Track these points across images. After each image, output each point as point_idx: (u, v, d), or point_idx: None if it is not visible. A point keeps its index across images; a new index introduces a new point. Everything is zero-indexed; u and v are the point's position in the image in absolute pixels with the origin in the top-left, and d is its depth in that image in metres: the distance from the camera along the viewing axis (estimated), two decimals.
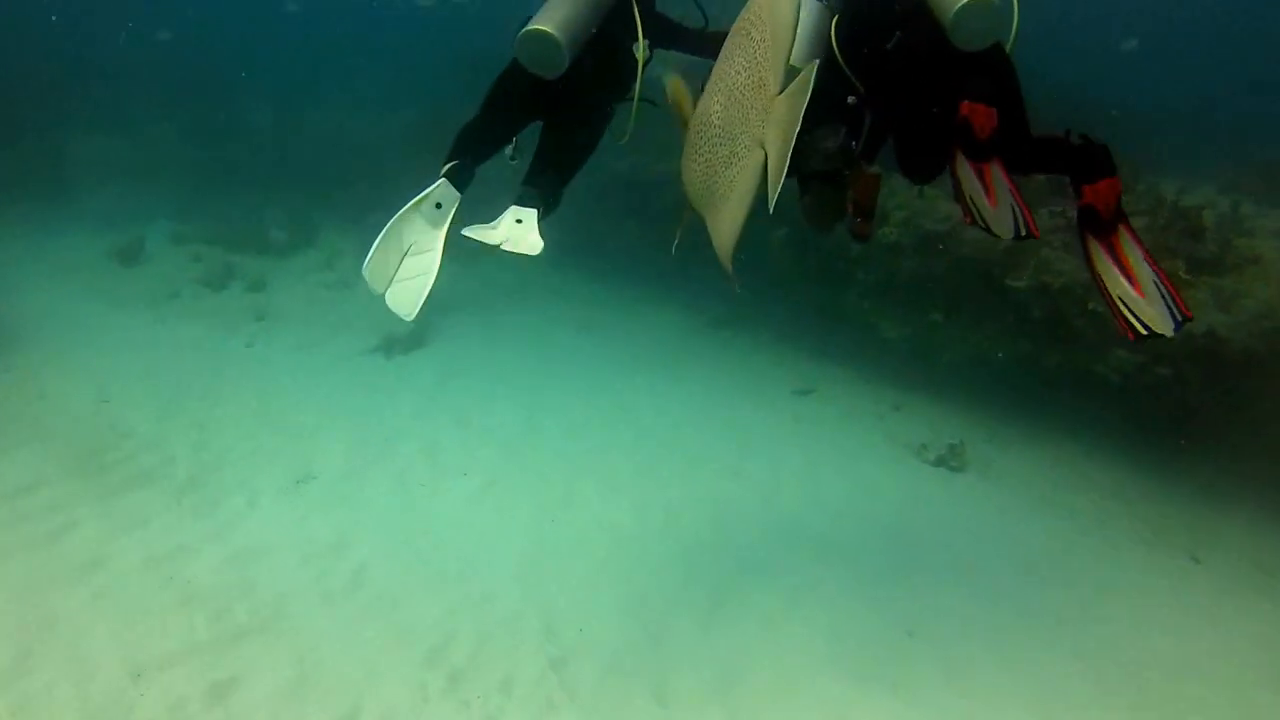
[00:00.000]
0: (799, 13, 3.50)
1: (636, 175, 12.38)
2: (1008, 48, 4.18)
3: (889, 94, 4.18)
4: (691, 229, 4.28)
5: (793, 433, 9.39)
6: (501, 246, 4.44)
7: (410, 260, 4.46)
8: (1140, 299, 4.11)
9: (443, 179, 4.48)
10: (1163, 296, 4.09)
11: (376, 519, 7.19)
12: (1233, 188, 10.54)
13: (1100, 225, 4.18)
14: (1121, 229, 4.18)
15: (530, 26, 4.32)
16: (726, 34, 4.51)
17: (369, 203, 14.49)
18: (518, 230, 4.49)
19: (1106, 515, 8.08)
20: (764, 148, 3.43)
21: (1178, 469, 8.59)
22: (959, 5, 3.81)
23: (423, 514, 7.34)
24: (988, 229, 4.34)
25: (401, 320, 4.53)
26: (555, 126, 4.79)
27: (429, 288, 4.47)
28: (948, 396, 10.04)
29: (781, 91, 3.41)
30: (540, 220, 4.54)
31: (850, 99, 4.19)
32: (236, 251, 14.06)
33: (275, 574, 6.39)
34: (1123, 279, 4.16)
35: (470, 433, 8.87)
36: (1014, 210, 4.21)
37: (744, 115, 3.52)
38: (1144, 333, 4.11)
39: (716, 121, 3.64)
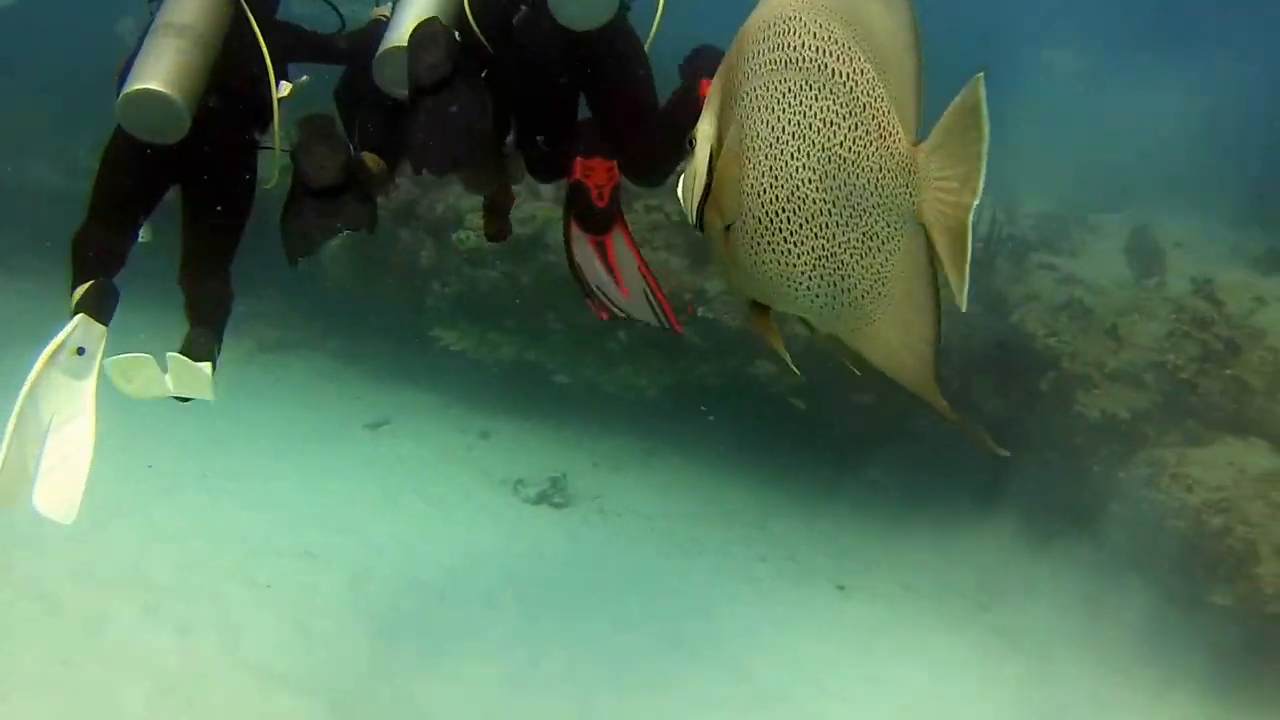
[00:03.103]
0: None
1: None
2: (647, 44, 3.71)
3: (512, 75, 3.70)
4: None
5: (372, 482, 7.92)
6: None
7: (55, 439, 3.29)
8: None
9: (79, 315, 3.39)
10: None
11: None
12: None
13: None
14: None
15: (133, 86, 3.31)
16: (369, 36, 3.71)
17: None
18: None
19: (743, 546, 7.48)
20: (921, 220, 2.36)
21: (813, 486, 8.15)
22: None
23: None
24: (628, 319, 3.96)
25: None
26: (196, 193, 3.79)
27: (88, 465, 3.30)
28: (540, 419, 9.06)
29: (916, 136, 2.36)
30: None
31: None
32: None
33: None
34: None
35: None
36: (649, 298, 3.89)
37: (870, 181, 2.37)
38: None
39: (817, 198, 2.41)
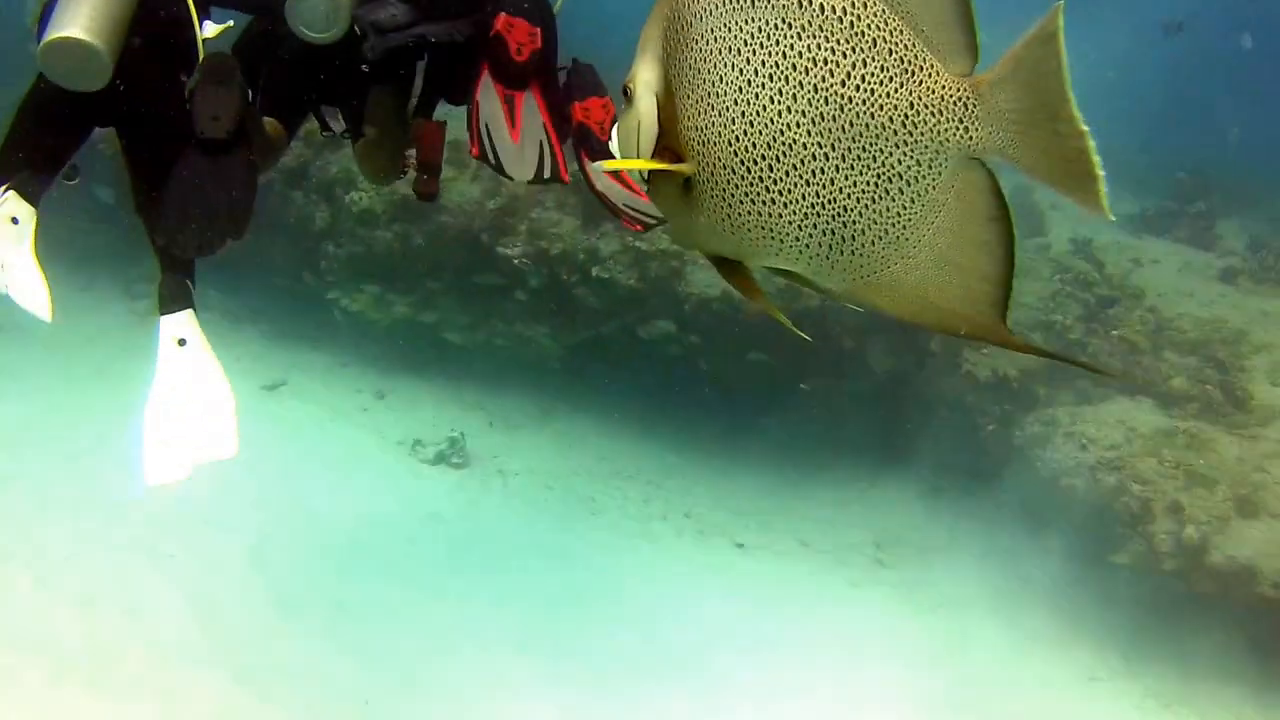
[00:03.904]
0: None
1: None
2: (556, 6, 3.69)
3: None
4: None
5: (270, 445, 7.72)
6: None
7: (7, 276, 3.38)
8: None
9: (9, 191, 3.36)
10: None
11: None
12: None
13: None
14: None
15: (53, 35, 3.18)
16: None
17: None
18: (186, 363, 3.37)
19: (641, 505, 7.51)
20: (979, 154, 2.21)
21: (710, 444, 8.19)
22: None
23: None
24: (498, 167, 3.73)
25: None
26: (130, 141, 3.64)
27: (46, 295, 3.33)
28: (435, 379, 8.97)
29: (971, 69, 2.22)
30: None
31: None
32: None
33: None
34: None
35: None
36: (542, 147, 3.72)
37: (893, 119, 2.25)
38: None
39: (808, 142, 2.32)
